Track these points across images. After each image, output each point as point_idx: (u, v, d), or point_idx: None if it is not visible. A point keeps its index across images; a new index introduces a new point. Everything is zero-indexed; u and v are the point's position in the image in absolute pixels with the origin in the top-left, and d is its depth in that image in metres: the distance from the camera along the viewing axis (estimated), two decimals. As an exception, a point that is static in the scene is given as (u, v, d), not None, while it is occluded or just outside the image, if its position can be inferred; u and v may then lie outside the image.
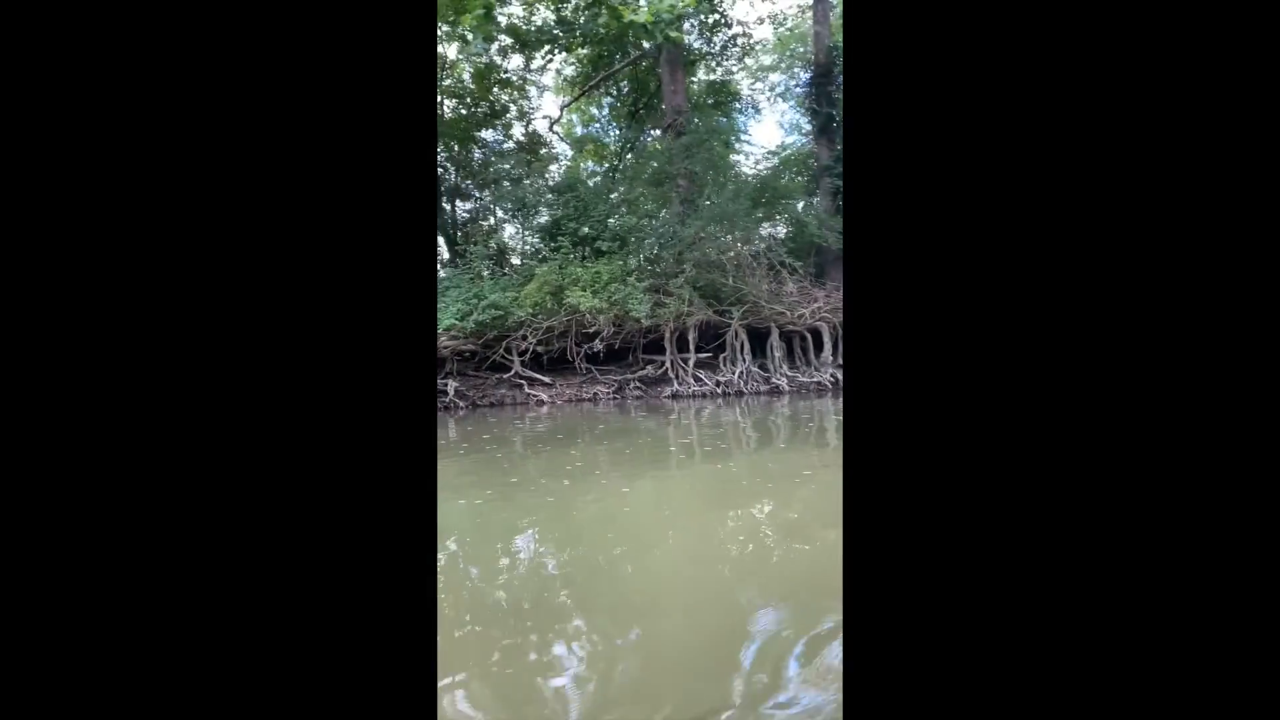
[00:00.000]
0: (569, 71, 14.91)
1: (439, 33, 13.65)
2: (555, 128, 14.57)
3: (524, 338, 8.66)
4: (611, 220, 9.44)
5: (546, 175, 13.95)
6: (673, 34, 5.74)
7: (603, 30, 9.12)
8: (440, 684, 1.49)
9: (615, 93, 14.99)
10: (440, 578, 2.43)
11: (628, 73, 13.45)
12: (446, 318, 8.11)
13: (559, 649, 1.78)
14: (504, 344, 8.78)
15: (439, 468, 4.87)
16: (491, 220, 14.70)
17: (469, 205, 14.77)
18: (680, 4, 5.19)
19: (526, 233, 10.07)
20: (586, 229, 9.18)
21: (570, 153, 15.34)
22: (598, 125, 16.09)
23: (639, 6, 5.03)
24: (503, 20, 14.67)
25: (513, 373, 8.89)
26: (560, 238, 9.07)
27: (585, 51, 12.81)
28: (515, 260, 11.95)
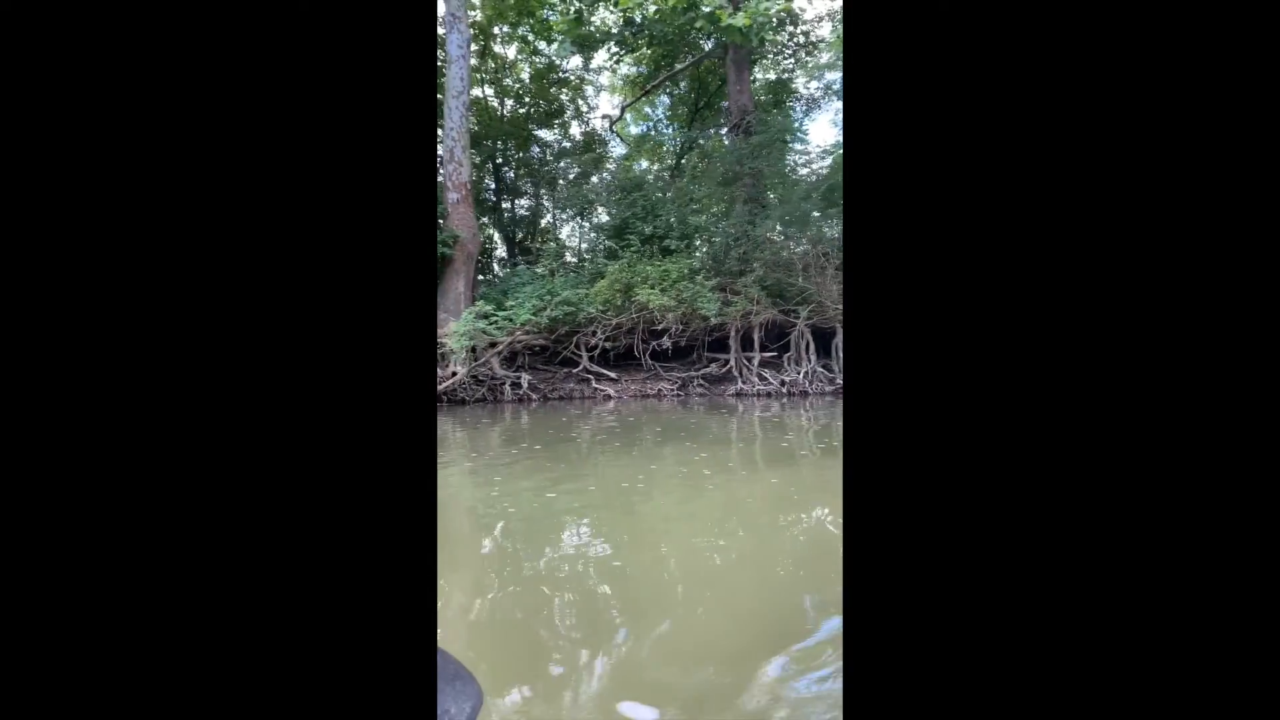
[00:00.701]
0: (629, 71, 15.06)
1: (496, 33, 13.92)
2: (614, 127, 14.72)
3: (593, 334, 8.86)
4: (675, 219, 9.55)
5: (603, 174, 14.18)
6: (768, 36, 5.80)
7: (681, 32, 9.20)
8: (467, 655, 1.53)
9: (673, 92, 15.06)
10: (492, 562, 2.53)
11: (689, 72, 13.51)
12: (523, 313, 8.36)
13: (585, 636, 1.80)
14: (574, 339, 9.00)
15: (511, 455, 4.90)
16: (548, 218, 15.00)
17: (526, 203, 15.10)
18: (775, 7, 5.26)
19: (589, 231, 10.26)
20: (652, 228, 9.32)
21: (621, 151, 15.49)
22: (649, 124, 16.18)
23: (735, 11, 5.10)
24: (556, 20, 14.92)
25: (581, 368, 9.10)
26: (629, 236, 9.23)
27: (649, 52, 12.91)
28: (570, 258, 12.21)
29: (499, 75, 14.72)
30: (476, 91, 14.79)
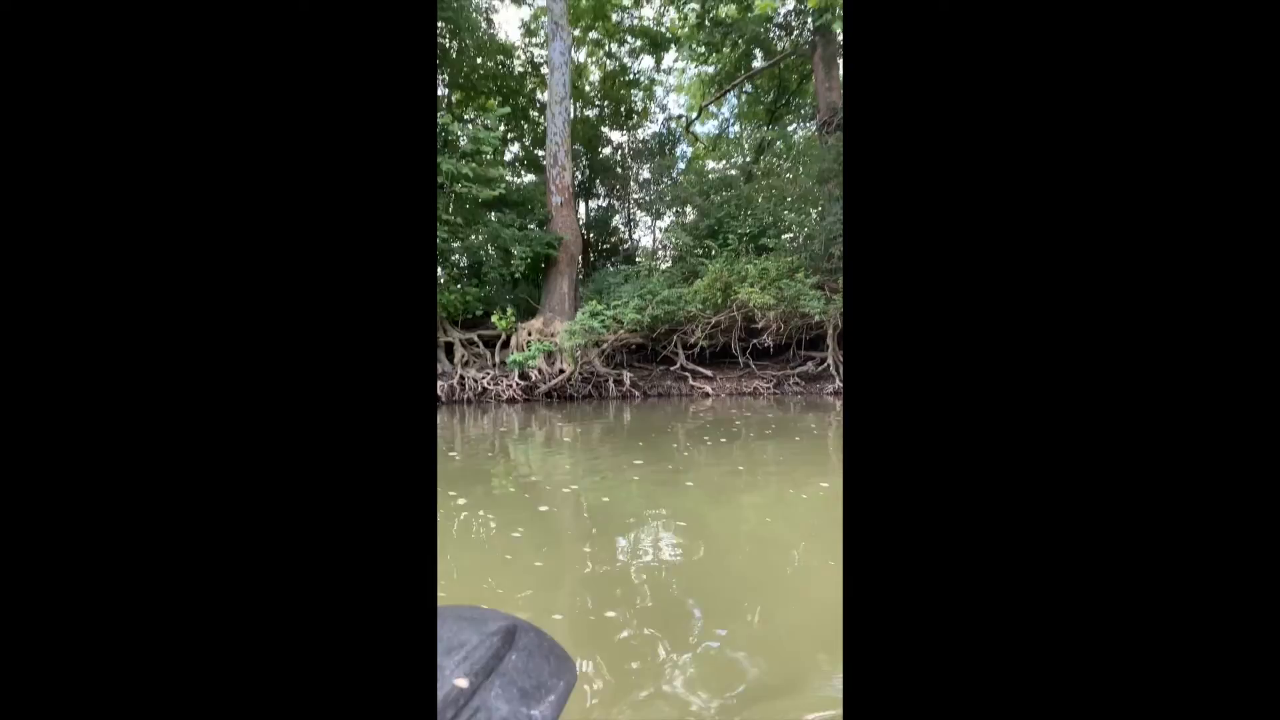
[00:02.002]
0: (702, 71, 15.16)
1: (571, 38, 14.20)
2: (691, 127, 14.82)
3: (691, 332, 9.00)
4: (771, 217, 9.60)
5: (675, 174, 14.31)
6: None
7: (761, 32, 9.19)
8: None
9: (748, 91, 15.07)
10: (583, 551, 2.56)
11: (768, 71, 13.52)
12: (629, 312, 8.56)
13: (670, 624, 1.82)
14: (673, 338, 9.17)
15: (610, 446, 5.16)
16: (618, 218, 15.23)
17: (598, 204, 15.37)
18: None
19: (678, 229, 10.39)
20: (748, 226, 9.40)
21: (688, 151, 15.58)
22: (716, 124, 16.22)
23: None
24: (628, 21, 15.09)
25: (678, 365, 9.26)
26: (725, 234, 9.33)
27: (727, 52, 12.98)
28: (640, 258, 12.38)
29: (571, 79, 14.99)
30: (546, 95, 15.18)
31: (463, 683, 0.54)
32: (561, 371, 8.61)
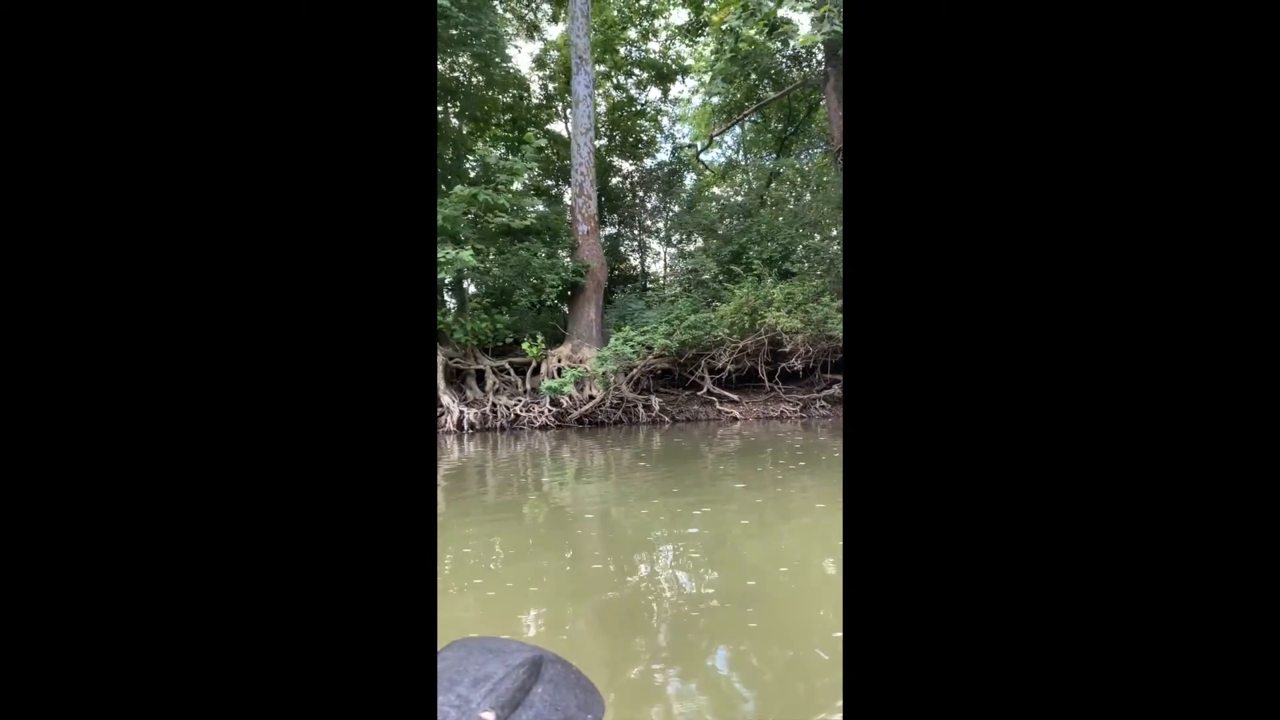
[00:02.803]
0: (710, 101, 15.56)
1: (594, 71, 14.54)
2: (699, 155, 15.14)
3: (717, 356, 9.07)
4: (798, 244, 9.78)
5: (680, 200, 14.57)
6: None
7: (769, 63, 9.48)
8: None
9: (755, 121, 15.46)
10: (612, 579, 2.53)
11: (777, 100, 13.91)
12: (658, 337, 8.62)
13: (703, 653, 1.81)
14: (699, 363, 9.23)
15: (641, 471, 5.21)
16: (627, 245, 15.41)
17: (609, 231, 15.57)
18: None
19: (702, 256, 10.53)
20: (770, 251, 9.56)
21: (694, 179, 15.88)
22: (721, 152, 16.58)
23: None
24: (635, 54, 15.50)
25: (704, 390, 9.30)
26: (752, 260, 9.48)
27: (738, 82, 13.37)
28: (652, 286, 12.43)
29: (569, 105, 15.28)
30: (555, 126, 15.46)
31: (489, 716, 0.53)
32: (591, 398, 8.62)
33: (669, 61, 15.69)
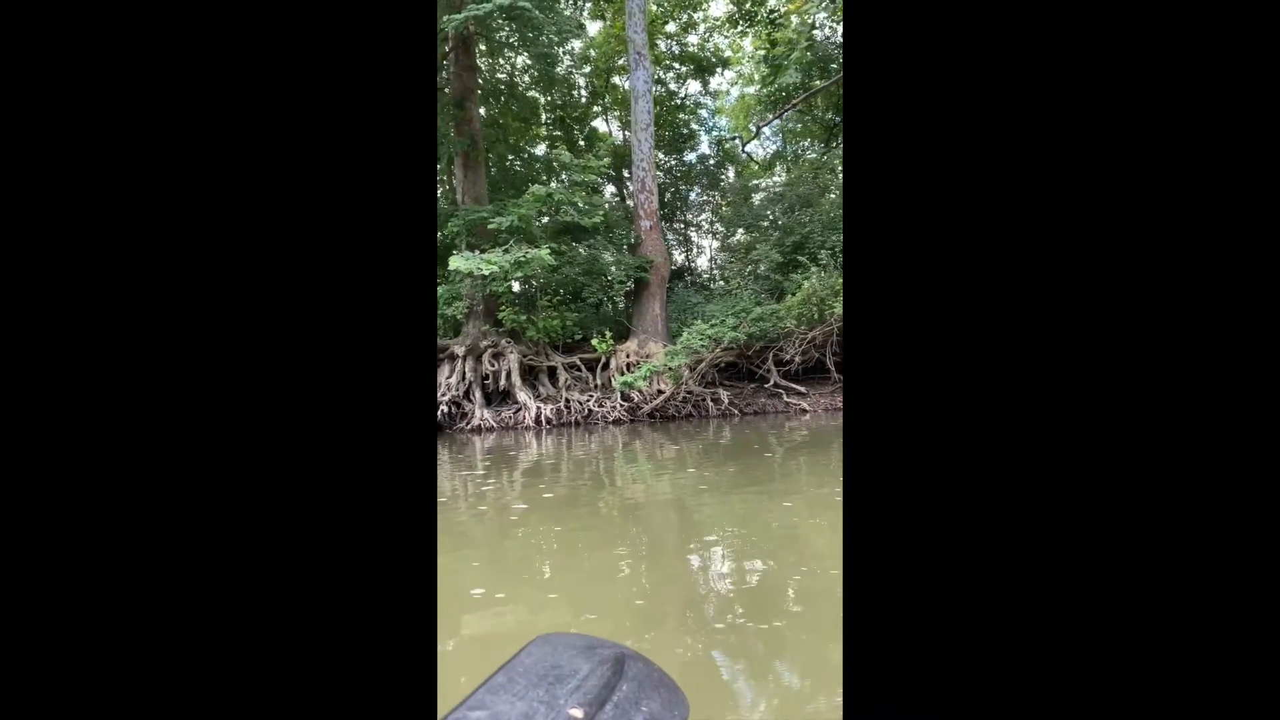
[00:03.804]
0: (750, 92, 15.45)
1: (652, 66, 14.53)
2: (746, 147, 15.07)
3: (782, 349, 9.05)
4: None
5: (722, 190, 14.52)
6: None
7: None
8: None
9: (800, 111, 15.30)
10: (686, 575, 2.50)
11: (825, 90, 13.76)
12: (726, 330, 8.64)
13: (784, 650, 1.82)
14: (766, 355, 9.22)
15: (712, 465, 5.22)
16: (672, 240, 15.42)
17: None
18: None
19: (765, 247, 10.50)
20: (831, 243, 9.49)
21: (734, 172, 15.79)
22: (758, 143, 16.45)
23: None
24: (674, 48, 15.46)
25: (771, 383, 9.29)
26: (817, 251, 9.42)
27: (791, 71, 13.27)
28: (707, 278, 12.42)
29: (616, 105, 15.34)
30: (598, 124, 15.52)
31: (578, 713, 0.52)
32: (660, 392, 8.68)
33: (708, 54, 15.64)
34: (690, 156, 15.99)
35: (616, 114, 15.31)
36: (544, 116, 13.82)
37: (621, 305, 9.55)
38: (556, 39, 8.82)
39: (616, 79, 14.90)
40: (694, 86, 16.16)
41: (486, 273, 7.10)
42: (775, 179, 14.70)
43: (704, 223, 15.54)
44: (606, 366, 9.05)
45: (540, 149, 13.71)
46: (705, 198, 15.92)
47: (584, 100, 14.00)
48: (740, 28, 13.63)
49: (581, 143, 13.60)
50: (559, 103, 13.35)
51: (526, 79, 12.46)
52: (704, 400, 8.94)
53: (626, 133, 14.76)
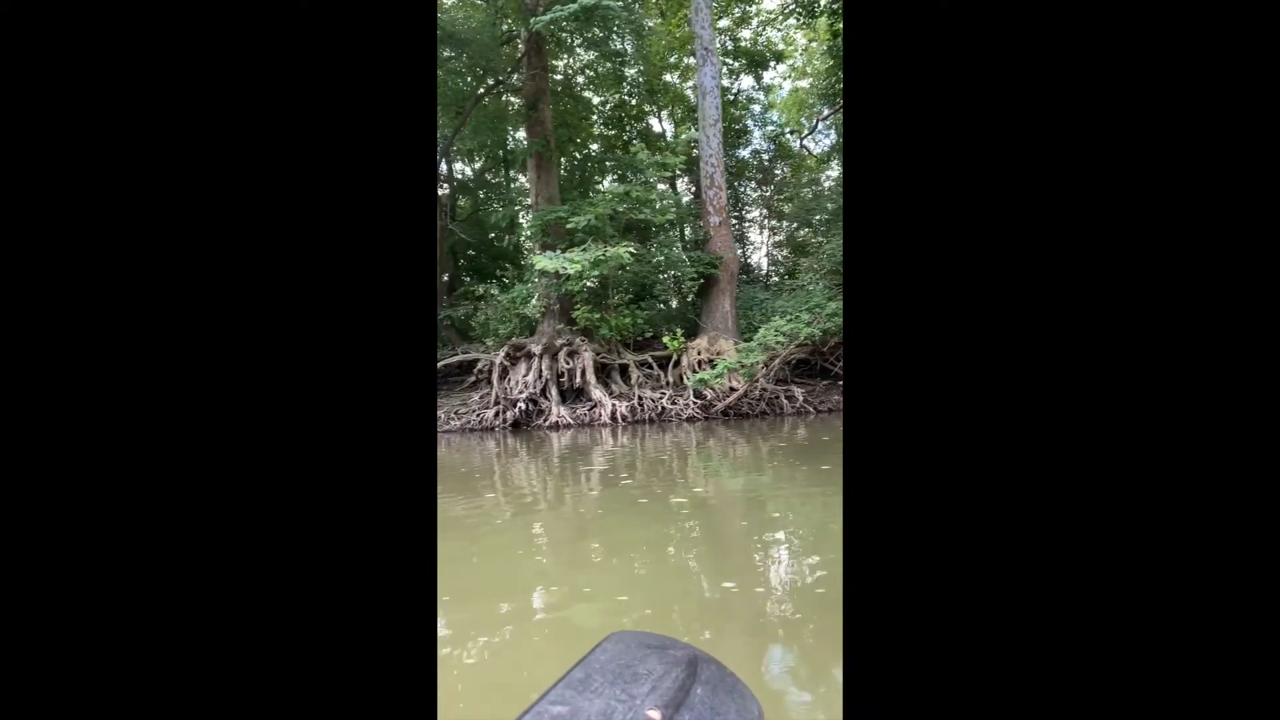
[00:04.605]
0: (803, 86, 15.23)
1: (721, 62, 14.45)
2: (804, 142, 14.86)
3: (858, 344, 8.87)
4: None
5: (776, 184, 14.34)
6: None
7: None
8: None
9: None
10: (761, 577, 2.46)
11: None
12: (802, 327, 8.53)
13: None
14: (839, 350, 9.06)
15: (790, 463, 5.03)
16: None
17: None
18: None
19: (836, 242, 10.32)
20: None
21: (785, 167, 15.57)
22: (812, 137, 16.18)
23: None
24: (727, 44, 15.33)
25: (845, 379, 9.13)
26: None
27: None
28: (749, 276, 12.28)
29: (669, 103, 15.30)
30: (652, 122, 15.52)
31: (655, 715, 0.51)
32: (733, 389, 8.62)
33: (760, 48, 15.47)
34: (743, 152, 15.87)
35: (668, 111, 15.30)
36: (594, 116, 13.91)
37: (690, 300, 9.52)
38: (632, 36, 8.84)
39: (668, 76, 14.88)
40: (746, 82, 16.04)
41: (571, 271, 7.17)
42: (831, 173, 14.45)
43: (758, 219, 15.40)
44: (677, 364, 9.05)
45: (592, 148, 13.82)
46: (759, 194, 15.77)
47: (636, 99, 14.01)
48: (797, 20, 13.44)
49: (634, 141, 13.63)
50: (618, 101, 13.39)
51: (581, 79, 12.55)
52: (778, 398, 8.84)
53: (673, 127, 14.74)
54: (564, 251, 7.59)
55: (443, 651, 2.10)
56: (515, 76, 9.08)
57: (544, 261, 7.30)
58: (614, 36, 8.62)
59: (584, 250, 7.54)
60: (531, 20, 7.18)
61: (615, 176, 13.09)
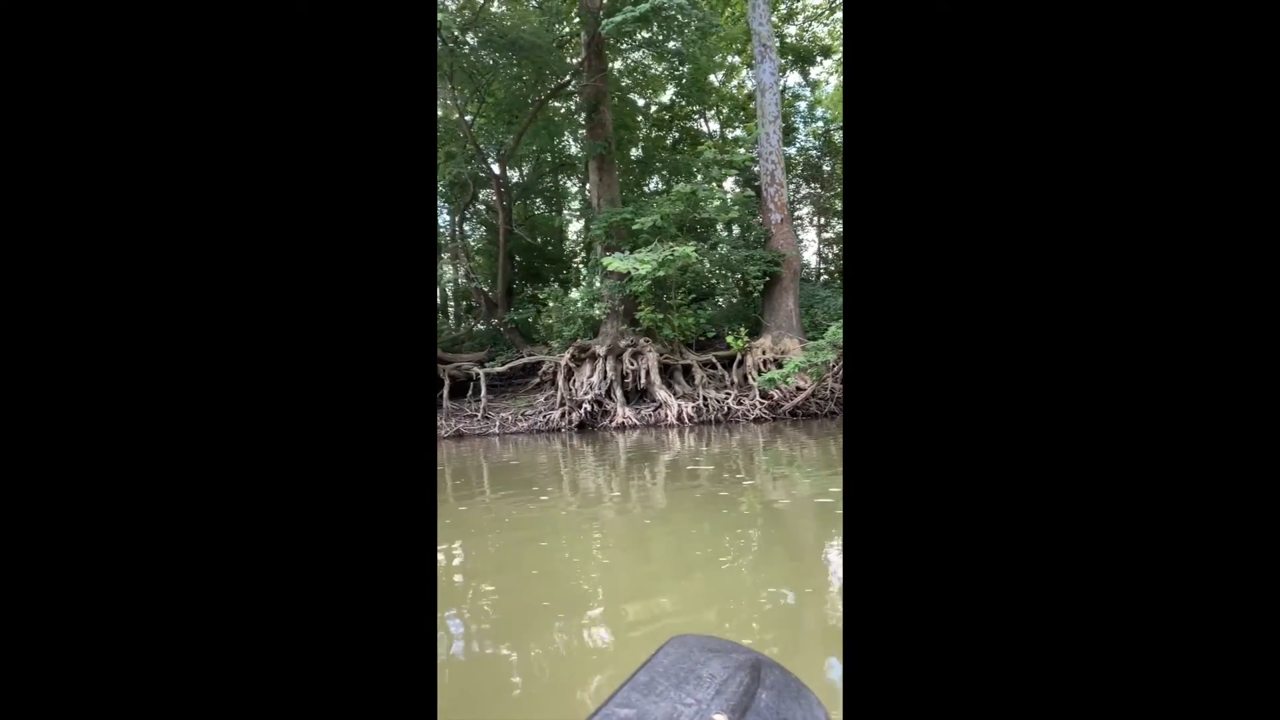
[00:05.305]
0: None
1: (779, 59, 14.37)
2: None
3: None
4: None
5: (826, 182, 14.09)
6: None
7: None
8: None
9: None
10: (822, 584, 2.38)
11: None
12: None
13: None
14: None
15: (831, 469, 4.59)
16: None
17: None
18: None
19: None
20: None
21: (831, 164, 15.30)
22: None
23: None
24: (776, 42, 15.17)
25: (912, 377, 8.91)
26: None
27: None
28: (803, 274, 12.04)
29: (714, 102, 15.22)
30: (699, 123, 15.47)
31: (722, 719, 0.51)
32: (799, 389, 8.49)
33: (808, 44, 15.28)
34: (790, 150, 15.68)
35: (713, 111, 15.23)
36: (640, 118, 13.94)
37: (755, 299, 9.43)
38: (696, 35, 8.83)
39: (713, 76, 14.82)
40: (793, 78, 15.86)
41: (643, 271, 7.18)
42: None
43: (806, 216, 15.19)
44: (741, 363, 8.96)
45: (633, 152, 13.87)
46: (809, 190, 15.55)
47: (686, 99, 13.99)
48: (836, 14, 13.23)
49: (680, 144, 13.60)
50: (667, 102, 13.40)
51: (627, 81, 12.60)
52: (842, 399, 8.68)
53: (718, 126, 14.65)
54: (631, 252, 7.60)
55: (501, 649, 2.13)
56: (573, 80, 9.16)
57: (616, 263, 7.33)
58: (674, 36, 8.60)
59: (651, 250, 7.54)
60: (604, 22, 7.22)
61: (661, 178, 13.10)
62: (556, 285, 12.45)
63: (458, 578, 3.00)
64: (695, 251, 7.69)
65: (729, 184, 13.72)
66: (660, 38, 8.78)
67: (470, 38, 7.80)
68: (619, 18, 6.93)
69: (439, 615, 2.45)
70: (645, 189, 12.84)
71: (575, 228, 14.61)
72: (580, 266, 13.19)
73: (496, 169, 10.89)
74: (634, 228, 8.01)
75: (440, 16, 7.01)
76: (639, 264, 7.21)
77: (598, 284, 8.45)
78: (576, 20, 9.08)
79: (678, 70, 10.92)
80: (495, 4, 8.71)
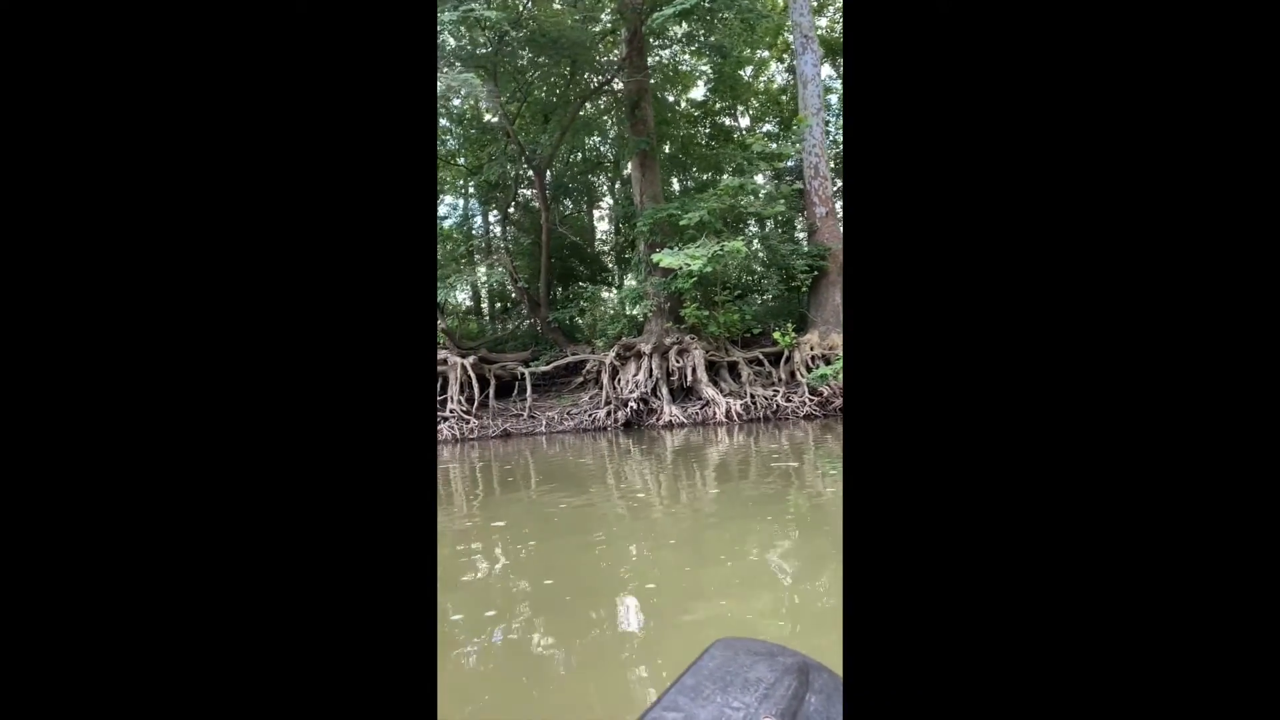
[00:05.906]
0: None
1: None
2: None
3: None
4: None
5: None
6: None
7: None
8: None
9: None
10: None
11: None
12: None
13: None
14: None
15: None
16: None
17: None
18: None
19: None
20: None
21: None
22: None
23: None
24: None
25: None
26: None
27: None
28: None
29: (747, 97, 15.05)
30: (729, 119, 15.31)
31: None
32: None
33: (839, 37, 15.06)
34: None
35: (743, 106, 15.07)
36: (670, 114, 13.85)
37: (802, 294, 9.29)
38: (742, 29, 8.71)
39: (743, 70, 14.65)
40: (824, 71, 15.61)
41: (694, 267, 7.10)
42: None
43: (838, 210, 14.94)
44: (789, 359, 8.83)
45: (665, 148, 13.77)
46: (839, 184, 15.33)
47: (720, 95, 13.87)
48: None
49: (710, 141, 13.48)
50: (700, 98, 13.29)
51: (659, 78, 12.52)
52: (896, 393, 8.50)
53: (748, 122, 14.48)
54: (680, 248, 7.52)
55: (546, 649, 2.12)
56: (614, 78, 9.10)
57: (668, 259, 7.26)
58: (715, 29, 8.50)
59: (700, 245, 7.46)
60: (654, 15, 7.14)
61: (691, 176, 12.98)
62: (594, 284, 12.41)
63: (510, 575, 3.01)
64: (743, 247, 7.59)
65: (761, 179, 13.58)
66: (701, 32, 8.67)
67: (516, 34, 7.79)
68: (670, 10, 6.85)
69: (481, 613, 2.50)
70: (685, 185, 12.72)
71: (603, 227, 14.57)
72: (612, 265, 13.14)
73: (536, 169, 10.90)
74: (680, 224, 7.93)
75: (491, 15, 7.00)
76: (690, 259, 7.12)
77: (641, 281, 8.38)
78: (606, 18, 9.02)
79: (717, 64, 10.80)
80: (530, 3, 8.70)
